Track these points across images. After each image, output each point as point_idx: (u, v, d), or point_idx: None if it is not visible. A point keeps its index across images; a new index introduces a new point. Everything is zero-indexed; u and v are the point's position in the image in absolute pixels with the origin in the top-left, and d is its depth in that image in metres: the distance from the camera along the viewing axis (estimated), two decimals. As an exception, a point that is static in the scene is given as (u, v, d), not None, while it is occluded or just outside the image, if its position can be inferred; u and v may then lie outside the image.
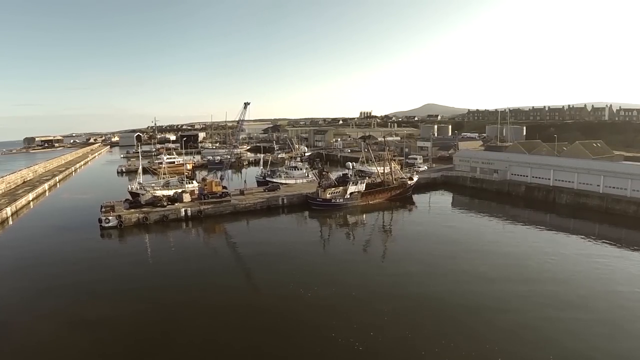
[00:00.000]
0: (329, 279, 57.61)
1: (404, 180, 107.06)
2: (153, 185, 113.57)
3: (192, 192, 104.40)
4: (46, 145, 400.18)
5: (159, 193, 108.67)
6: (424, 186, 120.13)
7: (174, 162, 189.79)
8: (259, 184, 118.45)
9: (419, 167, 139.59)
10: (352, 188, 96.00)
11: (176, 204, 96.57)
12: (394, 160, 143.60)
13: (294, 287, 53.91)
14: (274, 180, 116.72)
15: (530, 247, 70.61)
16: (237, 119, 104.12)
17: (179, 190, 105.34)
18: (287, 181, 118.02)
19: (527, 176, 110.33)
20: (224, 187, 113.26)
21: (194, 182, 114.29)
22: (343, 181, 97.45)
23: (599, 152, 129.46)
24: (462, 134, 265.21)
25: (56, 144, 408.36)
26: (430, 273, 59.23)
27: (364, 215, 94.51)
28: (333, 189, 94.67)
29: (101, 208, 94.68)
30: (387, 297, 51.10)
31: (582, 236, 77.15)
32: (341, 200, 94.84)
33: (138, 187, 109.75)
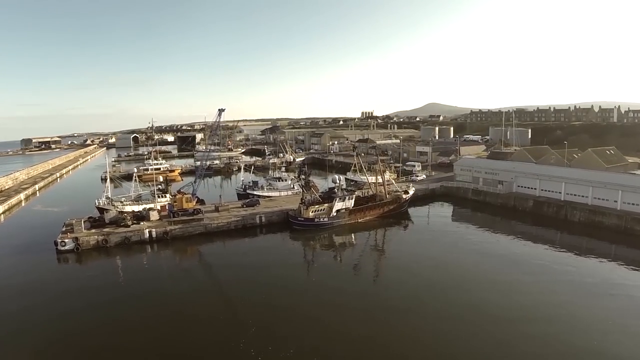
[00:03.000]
0: (310, 318, 49.83)
1: (399, 194, 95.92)
2: (123, 199, 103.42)
3: (163, 208, 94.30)
4: (43, 146, 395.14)
5: (129, 209, 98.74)
6: (422, 198, 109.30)
7: (159, 169, 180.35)
8: (239, 196, 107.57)
9: (417, 176, 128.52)
10: (338, 205, 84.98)
11: (142, 223, 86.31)
12: (390, 168, 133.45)
13: (269, 329, 46.17)
14: (255, 192, 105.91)
15: (540, 272, 62.55)
16: (213, 126, 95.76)
17: (148, 207, 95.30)
18: (270, 194, 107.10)
19: (535, 189, 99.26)
20: (200, 201, 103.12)
21: (167, 195, 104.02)
22: (329, 197, 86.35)
23: (613, 160, 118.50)
24: (465, 136, 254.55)
25: (53, 146, 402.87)
26: (430, 313, 50.91)
27: (353, 236, 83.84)
28: (317, 206, 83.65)
29: (63, 227, 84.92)
30: (373, 334, 45.13)
31: (597, 258, 69.21)
32: (326, 219, 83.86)
33: (106, 201, 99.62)
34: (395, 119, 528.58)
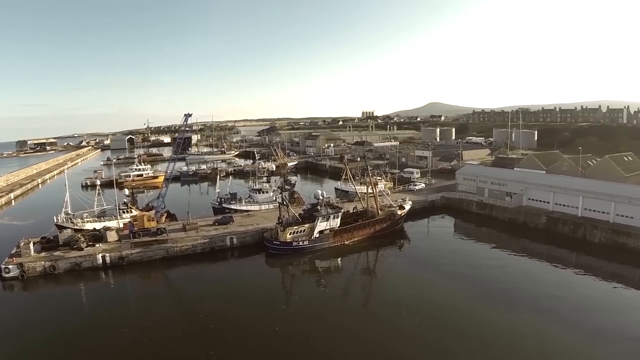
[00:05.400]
0: None
1: (393, 209, 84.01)
2: (85, 215, 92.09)
3: (125, 227, 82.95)
4: (38, 148, 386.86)
5: (90, 226, 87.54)
6: (420, 212, 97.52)
7: (142, 175, 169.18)
8: (215, 211, 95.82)
9: (415, 185, 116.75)
10: (321, 225, 72.96)
11: (98, 245, 75.01)
12: (385, 175, 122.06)
13: None
14: (232, 206, 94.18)
15: (554, 298, 55.43)
16: (180, 130, 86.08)
17: (108, 225, 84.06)
18: (249, 207, 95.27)
19: (548, 202, 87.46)
20: (171, 216, 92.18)
21: (134, 210, 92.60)
22: (310, 215, 74.44)
23: (632, 167, 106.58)
24: (467, 138, 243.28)
25: (48, 147, 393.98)
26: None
27: (338, 261, 72.34)
28: (295, 227, 71.73)
29: (14, 247, 74.45)
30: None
31: (620, 286, 60.11)
32: (306, 242, 71.93)
33: (65, 218, 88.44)
34: (395, 119, 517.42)
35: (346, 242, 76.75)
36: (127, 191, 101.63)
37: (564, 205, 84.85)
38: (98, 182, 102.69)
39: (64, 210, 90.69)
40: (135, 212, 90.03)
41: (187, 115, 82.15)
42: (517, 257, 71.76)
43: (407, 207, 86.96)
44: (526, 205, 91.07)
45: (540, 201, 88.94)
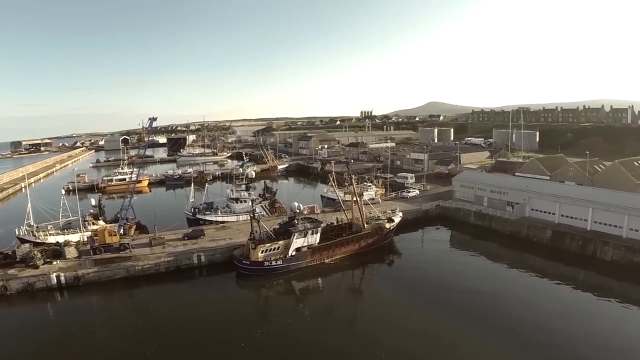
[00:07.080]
0: None
1: (380, 222, 75.74)
2: (50, 227, 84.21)
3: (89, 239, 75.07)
4: (33, 149, 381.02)
5: (52, 240, 79.68)
6: (413, 223, 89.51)
7: (125, 179, 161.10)
8: (190, 222, 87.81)
9: (409, 192, 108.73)
10: (298, 242, 64.63)
11: (55, 263, 67.28)
12: (377, 181, 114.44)
13: None
14: (207, 217, 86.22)
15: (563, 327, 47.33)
16: (144, 134, 78.31)
17: (70, 239, 76.15)
18: (226, 218, 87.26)
19: (554, 214, 79.40)
20: (141, 228, 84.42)
21: (100, 222, 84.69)
22: (285, 231, 66.33)
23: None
24: (466, 139, 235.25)
25: (42, 148, 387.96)
26: None
27: (318, 281, 64.12)
28: (268, 244, 63.58)
29: None
30: None
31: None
32: (280, 262, 63.64)
33: (27, 230, 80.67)
34: (394, 118, 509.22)
35: (326, 261, 68.19)
36: (93, 201, 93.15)
37: (572, 218, 76.67)
38: (63, 191, 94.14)
39: (25, 221, 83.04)
40: (98, 225, 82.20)
41: (152, 119, 74.56)
42: (520, 278, 63.88)
43: (397, 219, 78.44)
44: (529, 216, 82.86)
45: (545, 212, 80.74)
